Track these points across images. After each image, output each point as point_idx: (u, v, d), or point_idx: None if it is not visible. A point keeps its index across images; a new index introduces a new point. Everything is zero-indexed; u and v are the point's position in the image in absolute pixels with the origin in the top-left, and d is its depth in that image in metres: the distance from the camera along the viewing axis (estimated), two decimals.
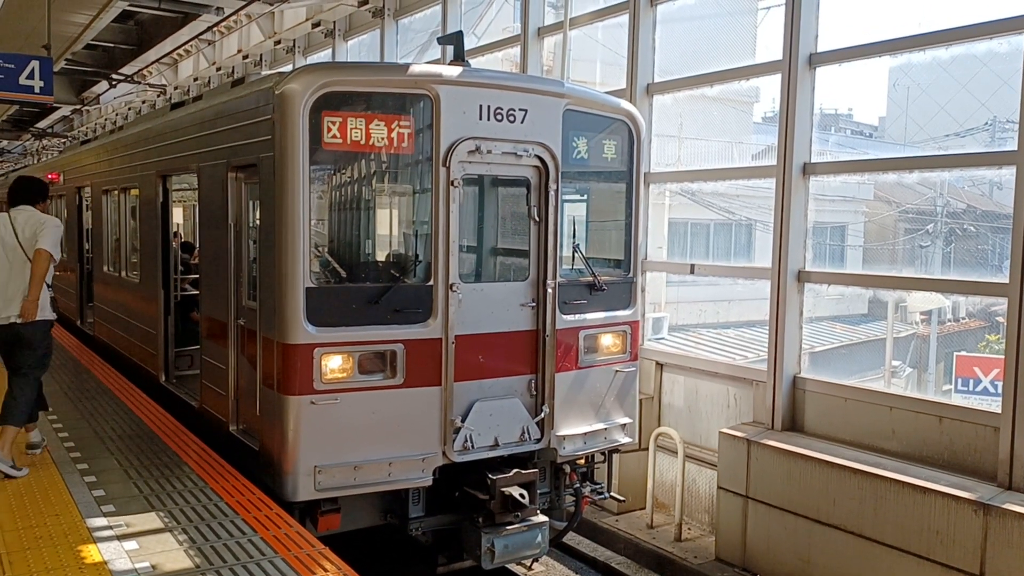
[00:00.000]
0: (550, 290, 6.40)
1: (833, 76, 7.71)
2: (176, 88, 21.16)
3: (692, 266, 8.82)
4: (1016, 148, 6.14)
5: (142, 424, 7.23)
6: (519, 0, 10.78)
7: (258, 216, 6.12)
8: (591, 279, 6.74)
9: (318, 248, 5.82)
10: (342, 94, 5.66)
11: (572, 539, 8.34)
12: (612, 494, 7.37)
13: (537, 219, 6.39)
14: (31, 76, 10.49)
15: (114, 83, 18.00)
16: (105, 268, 11.02)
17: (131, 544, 4.71)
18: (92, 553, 4.57)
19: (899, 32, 7.01)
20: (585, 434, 6.74)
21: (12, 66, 10.36)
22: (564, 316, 6.53)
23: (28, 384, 5.97)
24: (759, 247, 14.76)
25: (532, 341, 6.42)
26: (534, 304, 6.40)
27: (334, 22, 14.46)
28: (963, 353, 14.90)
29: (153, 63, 18.57)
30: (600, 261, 7.08)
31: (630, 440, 7.15)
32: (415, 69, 6.02)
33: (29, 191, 6.23)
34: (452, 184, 5.96)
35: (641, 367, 7.75)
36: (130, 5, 13.80)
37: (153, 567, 4.43)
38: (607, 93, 7.87)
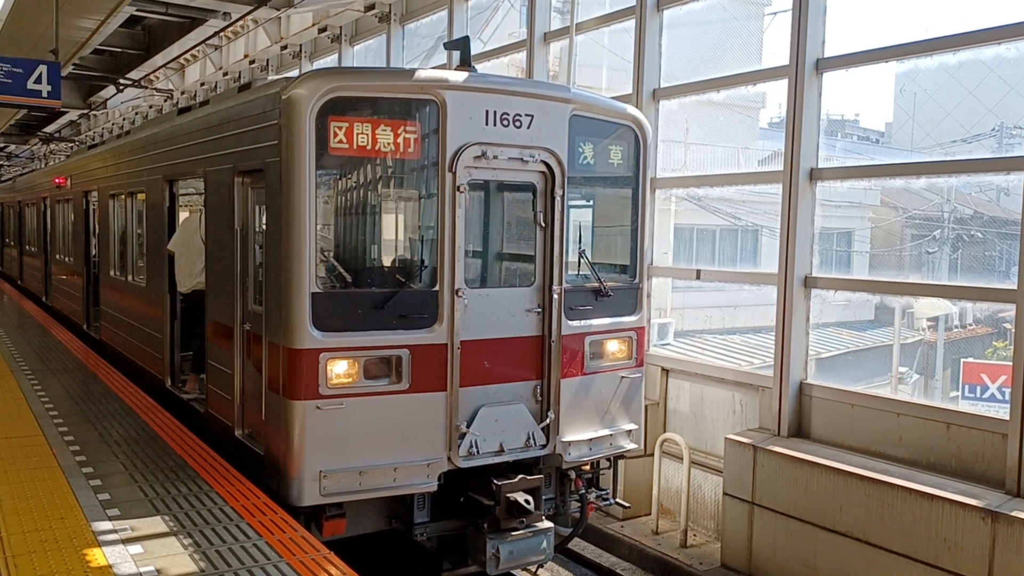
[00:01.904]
0: (556, 296, 6.39)
1: (840, 81, 7.70)
2: (183, 93, 21.25)
3: (698, 272, 8.80)
4: None
5: (147, 428, 7.24)
6: (525, 5, 10.79)
7: (264, 221, 6.13)
8: (597, 285, 6.73)
9: (324, 253, 5.82)
10: (349, 99, 5.67)
11: (577, 545, 8.32)
12: (617, 500, 7.36)
13: (543, 225, 6.39)
14: (39, 80, 10.55)
15: (121, 88, 18.08)
16: (111, 272, 11.05)
17: (136, 548, 4.70)
18: (97, 557, 4.57)
19: (906, 37, 7.00)
20: (590, 440, 6.73)
21: (20, 70, 10.43)
22: (570, 322, 6.52)
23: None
24: (765, 253, 14.74)
25: (538, 347, 6.41)
26: (540, 310, 6.39)
27: (340, 27, 14.50)
28: (970, 359, 14.85)
29: (160, 68, 18.63)
30: (606, 267, 7.07)
31: (635, 446, 7.13)
32: (421, 74, 6.03)
33: None
34: (458, 189, 5.96)
35: (647, 373, 7.73)
36: (138, 10, 13.85)
37: (158, 571, 4.43)
38: (613, 98, 7.87)
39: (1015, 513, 5.71)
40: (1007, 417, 6.16)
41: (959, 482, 6.31)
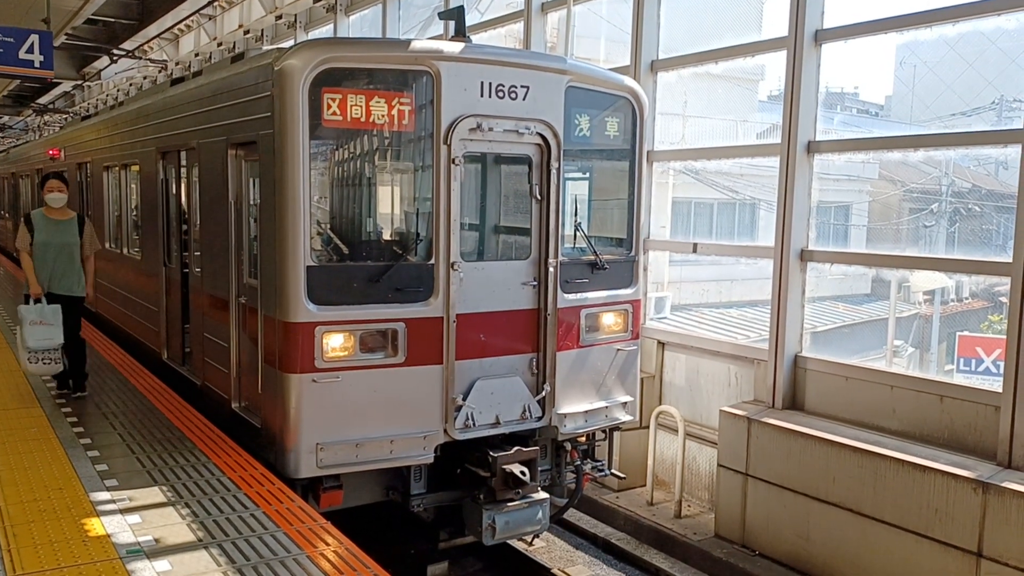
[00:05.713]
0: (552, 269, 6.38)
1: (839, 53, 7.64)
2: (177, 63, 21.04)
3: (695, 245, 8.79)
4: (1022, 126, 6.08)
5: (144, 400, 7.26)
6: None
7: (258, 194, 6.10)
8: (593, 258, 6.72)
9: (319, 226, 5.80)
10: (342, 70, 5.61)
11: (572, 515, 8.40)
12: (613, 471, 7.41)
13: (539, 197, 6.36)
14: (31, 50, 10.41)
15: (115, 58, 17.90)
16: (107, 244, 11.01)
17: (134, 518, 4.74)
18: (95, 526, 4.61)
19: (906, 8, 6.93)
20: (586, 412, 6.76)
21: (11, 40, 10.29)
22: (566, 295, 6.52)
23: None
24: (762, 226, 14.71)
25: (533, 320, 6.42)
26: (536, 283, 6.39)
27: None
28: (965, 333, 14.89)
29: (154, 38, 18.45)
30: (602, 240, 7.06)
31: (631, 418, 7.17)
32: (416, 45, 5.97)
33: None
34: (453, 162, 5.92)
35: (643, 346, 7.76)
36: None
37: (156, 540, 4.47)
38: (611, 70, 7.80)
39: (1006, 484, 5.77)
40: (1000, 390, 6.20)
41: (951, 454, 6.37)
